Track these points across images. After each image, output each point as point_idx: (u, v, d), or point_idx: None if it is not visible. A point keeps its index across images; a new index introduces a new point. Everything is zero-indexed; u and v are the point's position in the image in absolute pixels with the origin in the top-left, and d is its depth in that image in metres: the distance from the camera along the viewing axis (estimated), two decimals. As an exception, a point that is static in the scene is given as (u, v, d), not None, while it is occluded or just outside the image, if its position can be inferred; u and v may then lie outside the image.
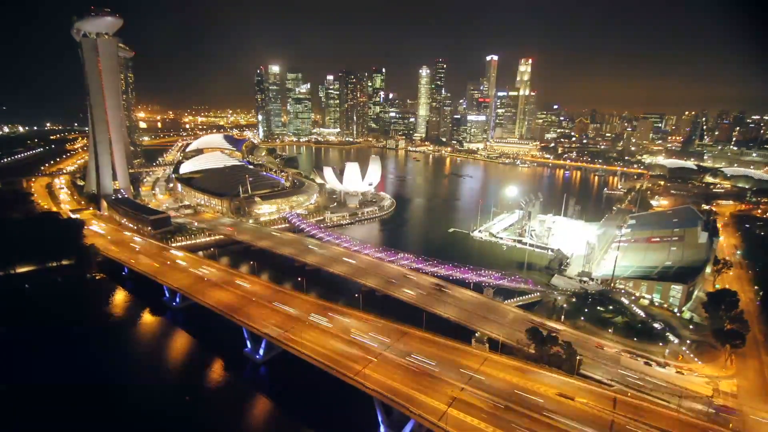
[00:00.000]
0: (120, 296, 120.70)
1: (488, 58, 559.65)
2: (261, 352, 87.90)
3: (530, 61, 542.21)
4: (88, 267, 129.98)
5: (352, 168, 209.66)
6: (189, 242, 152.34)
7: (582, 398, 63.37)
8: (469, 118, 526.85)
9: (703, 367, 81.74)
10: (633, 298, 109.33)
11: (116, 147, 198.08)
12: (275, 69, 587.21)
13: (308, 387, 79.26)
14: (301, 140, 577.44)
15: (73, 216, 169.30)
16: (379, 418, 68.02)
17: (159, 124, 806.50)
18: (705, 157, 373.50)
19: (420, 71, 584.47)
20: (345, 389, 69.98)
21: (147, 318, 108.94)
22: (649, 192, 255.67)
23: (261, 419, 76.76)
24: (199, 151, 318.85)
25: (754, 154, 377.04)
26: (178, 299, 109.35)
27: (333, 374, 71.16)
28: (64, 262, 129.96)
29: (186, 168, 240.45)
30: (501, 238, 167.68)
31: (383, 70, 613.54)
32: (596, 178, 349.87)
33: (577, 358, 72.99)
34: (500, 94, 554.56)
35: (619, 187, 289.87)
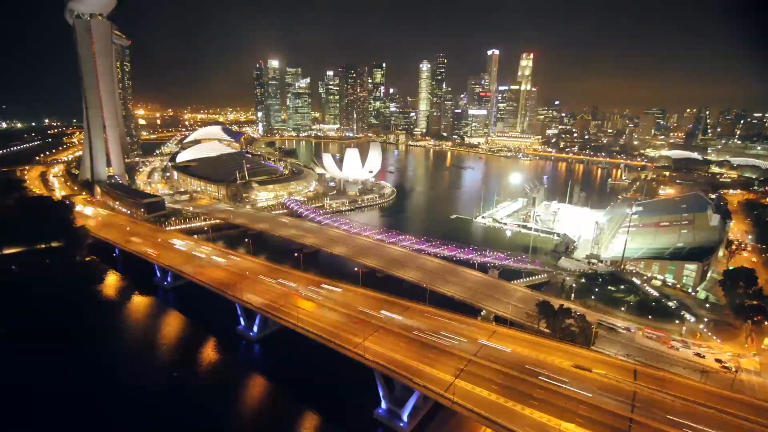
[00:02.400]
0: (111, 277, 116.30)
1: (489, 52, 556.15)
2: (255, 329, 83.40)
3: (531, 55, 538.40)
4: (78, 249, 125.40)
5: (351, 155, 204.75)
6: (184, 226, 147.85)
7: (600, 370, 58.80)
8: (470, 112, 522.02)
9: (722, 346, 77.41)
10: (645, 278, 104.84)
11: (110, 132, 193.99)
12: (274, 63, 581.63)
13: (305, 364, 74.89)
14: (300, 135, 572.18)
15: (64, 200, 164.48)
16: (381, 394, 63.41)
17: (158, 121, 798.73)
18: (708, 151, 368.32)
19: (420, 66, 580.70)
20: (344, 366, 65.55)
21: (138, 298, 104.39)
22: (654, 183, 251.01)
23: (256, 398, 72.17)
24: (196, 142, 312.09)
25: (759, 147, 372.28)
26: (169, 278, 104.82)
27: (331, 347, 66.58)
28: (54, 245, 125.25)
29: (183, 157, 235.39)
30: (505, 224, 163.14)
31: (383, 65, 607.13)
32: (599, 170, 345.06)
33: (593, 330, 68.47)
34: (501, 88, 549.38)
35: (623, 178, 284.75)
